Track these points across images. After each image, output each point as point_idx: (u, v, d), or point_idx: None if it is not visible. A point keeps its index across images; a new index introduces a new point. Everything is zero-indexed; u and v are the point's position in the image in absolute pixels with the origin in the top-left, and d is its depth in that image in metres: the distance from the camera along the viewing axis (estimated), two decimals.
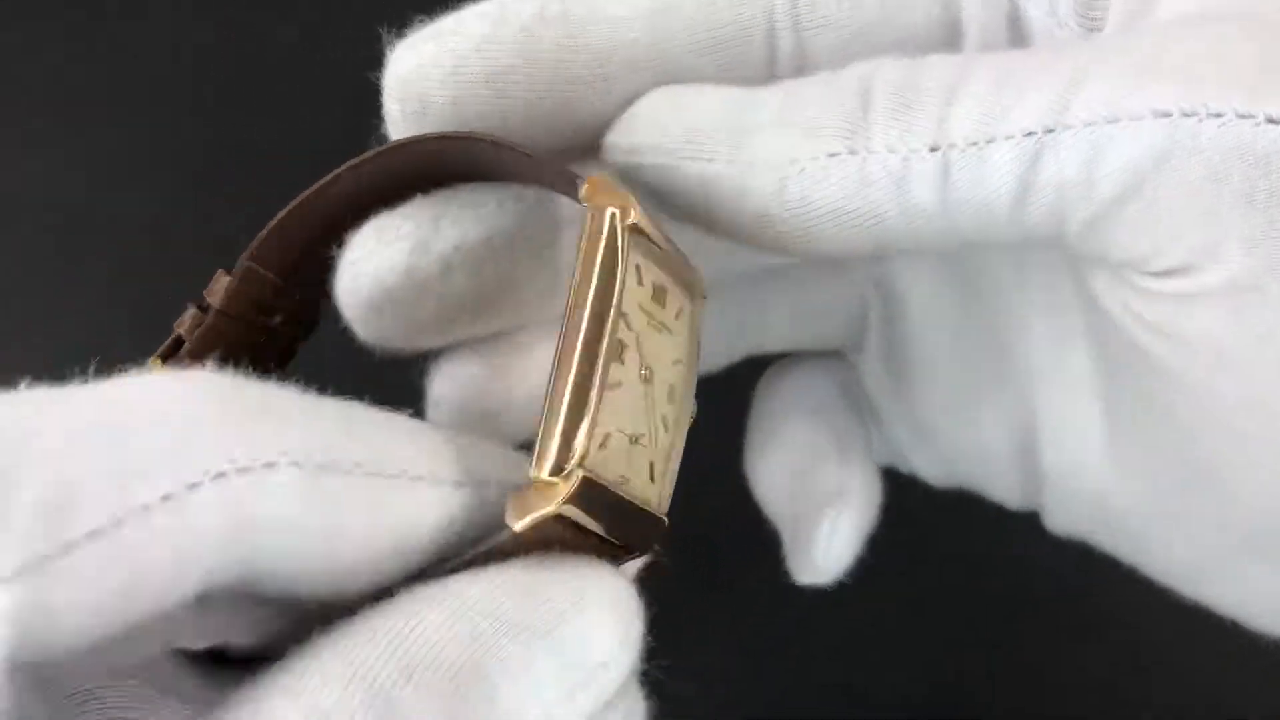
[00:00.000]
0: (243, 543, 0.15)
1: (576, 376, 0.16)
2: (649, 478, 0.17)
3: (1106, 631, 0.33)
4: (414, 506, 0.16)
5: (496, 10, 0.20)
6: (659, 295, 0.17)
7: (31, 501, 0.14)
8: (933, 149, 0.17)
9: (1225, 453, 0.18)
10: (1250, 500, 0.19)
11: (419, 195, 0.20)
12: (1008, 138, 0.17)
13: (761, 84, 0.20)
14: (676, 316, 0.18)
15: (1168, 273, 0.17)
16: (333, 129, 0.34)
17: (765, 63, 0.21)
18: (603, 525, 0.16)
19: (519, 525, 0.15)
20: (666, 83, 0.20)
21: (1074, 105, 0.17)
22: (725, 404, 0.23)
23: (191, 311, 0.20)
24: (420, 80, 0.19)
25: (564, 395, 0.15)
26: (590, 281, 0.16)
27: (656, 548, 0.18)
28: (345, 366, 0.20)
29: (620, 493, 0.16)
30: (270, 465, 0.15)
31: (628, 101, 0.20)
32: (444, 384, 0.21)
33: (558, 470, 0.15)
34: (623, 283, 0.16)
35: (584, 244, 0.16)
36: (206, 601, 0.16)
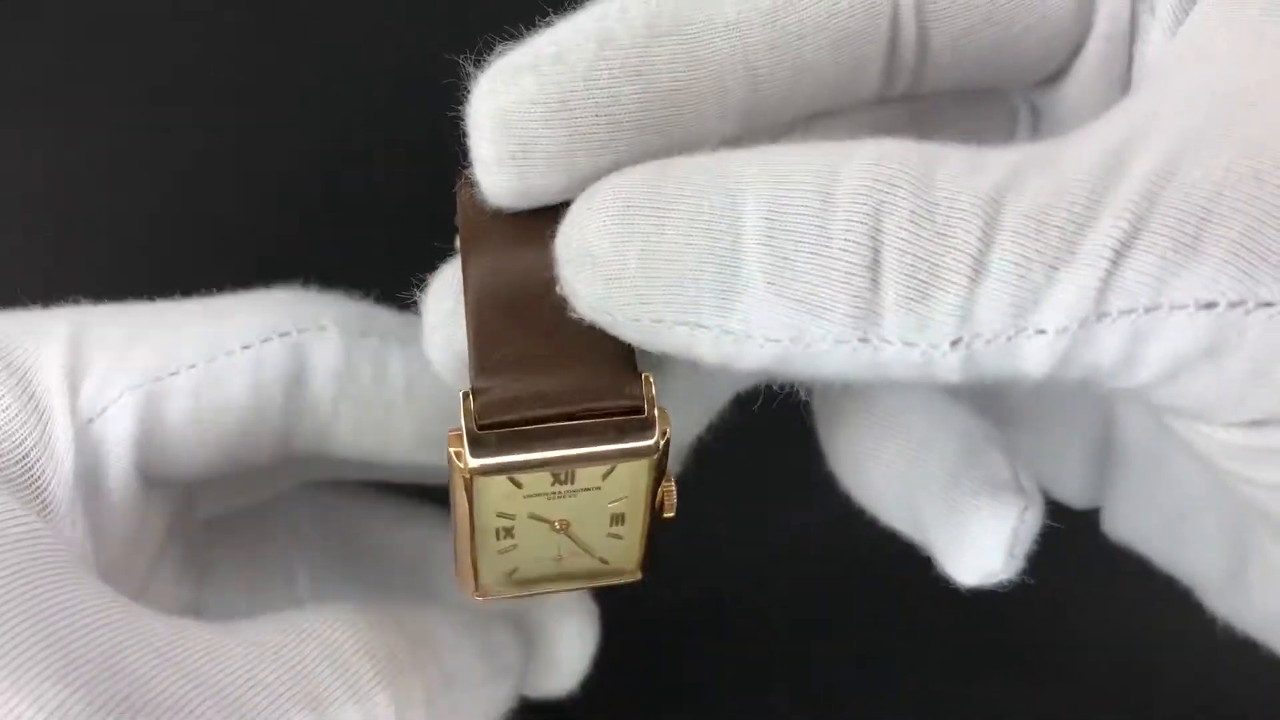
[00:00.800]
0: (304, 385, 0.22)
1: (470, 553, 0.20)
2: (598, 560, 0.21)
3: (1107, 632, 0.33)
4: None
5: (599, 26, 0.17)
6: (563, 476, 0.18)
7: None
8: (954, 343, 0.16)
9: None
10: None
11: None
12: (1039, 332, 0.15)
13: (880, 84, 0.19)
14: (604, 477, 0.19)
15: (1236, 425, 0.16)
16: (333, 129, 0.34)
17: (885, 55, 0.19)
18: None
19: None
20: (782, 93, 0.18)
21: (1111, 292, 0.15)
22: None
23: None
24: (522, 120, 0.17)
25: (465, 562, 0.20)
26: (454, 508, 0.19)
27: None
28: None
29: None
30: (321, 329, 0.22)
31: (742, 115, 0.18)
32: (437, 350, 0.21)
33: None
34: (481, 509, 0.19)
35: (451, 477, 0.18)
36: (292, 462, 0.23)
